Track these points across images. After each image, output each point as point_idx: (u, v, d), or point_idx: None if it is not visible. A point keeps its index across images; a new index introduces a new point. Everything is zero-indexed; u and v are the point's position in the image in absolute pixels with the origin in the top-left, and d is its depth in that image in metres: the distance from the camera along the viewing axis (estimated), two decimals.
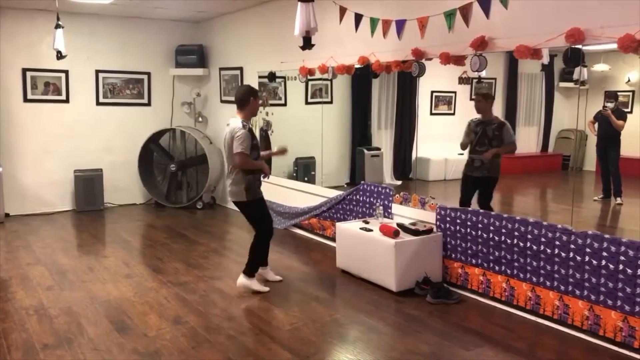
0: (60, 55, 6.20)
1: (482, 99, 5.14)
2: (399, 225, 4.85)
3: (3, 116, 7.57)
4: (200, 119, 8.75)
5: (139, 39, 8.40)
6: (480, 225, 4.47)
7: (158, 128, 8.43)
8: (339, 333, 3.97)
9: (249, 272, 4.72)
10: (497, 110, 6.64)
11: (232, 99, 8.08)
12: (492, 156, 5.00)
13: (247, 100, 4.63)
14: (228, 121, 4.70)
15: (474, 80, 6.10)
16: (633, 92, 5.88)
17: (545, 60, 4.32)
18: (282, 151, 5.28)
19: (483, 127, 5.07)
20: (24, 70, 7.67)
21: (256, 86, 7.40)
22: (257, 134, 7.44)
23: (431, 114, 6.55)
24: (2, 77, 7.54)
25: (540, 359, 3.55)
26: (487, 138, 5.04)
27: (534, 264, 4.07)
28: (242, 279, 4.71)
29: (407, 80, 6.26)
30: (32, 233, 6.83)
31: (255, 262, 4.77)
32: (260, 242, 4.80)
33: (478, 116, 5.14)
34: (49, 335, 3.87)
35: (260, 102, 7.29)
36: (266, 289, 4.74)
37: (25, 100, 7.73)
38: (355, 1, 5.34)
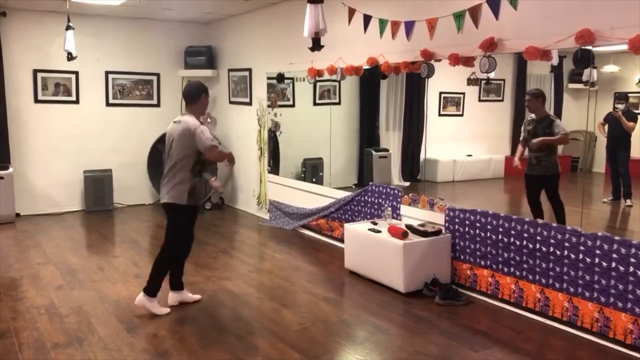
0: (70, 57, 6.25)
1: (533, 98, 5.12)
2: (407, 226, 4.85)
3: (14, 117, 7.63)
4: (209, 120, 8.76)
5: (148, 40, 8.45)
6: (489, 227, 4.46)
7: (167, 129, 8.45)
8: (347, 333, 3.98)
9: (151, 291, 4.21)
10: (506, 111, 6.65)
11: (241, 100, 8.19)
12: (539, 143, 4.97)
13: (197, 96, 4.23)
14: (175, 118, 4.31)
15: (483, 82, 6.09)
16: None
17: (555, 61, 4.30)
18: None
19: (534, 124, 5.05)
20: (35, 72, 7.73)
21: (265, 87, 7.44)
22: (265, 135, 7.48)
23: (439, 115, 6.54)
24: (13, 78, 7.60)
25: None
26: (538, 136, 5.01)
27: (543, 265, 4.06)
28: (141, 298, 4.21)
29: (415, 82, 6.25)
30: (42, 233, 6.88)
31: (160, 280, 4.23)
32: (173, 258, 4.30)
33: (533, 115, 5.11)
34: (59, 334, 3.90)
35: (269, 103, 7.36)
36: (166, 310, 4.26)
37: (36, 101, 7.80)
38: (364, 2, 5.35)
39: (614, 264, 3.62)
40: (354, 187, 6.82)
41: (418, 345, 3.74)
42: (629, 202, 5.79)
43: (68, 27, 6.11)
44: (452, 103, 6.70)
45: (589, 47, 3.71)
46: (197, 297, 4.55)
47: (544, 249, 4.04)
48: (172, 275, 4.40)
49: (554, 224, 4.00)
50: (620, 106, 5.67)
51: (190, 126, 4.09)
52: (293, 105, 7.45)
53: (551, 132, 4.95)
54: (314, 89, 6.98)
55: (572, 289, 3.88)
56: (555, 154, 5.05)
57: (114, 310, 4.35)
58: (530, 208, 4.98)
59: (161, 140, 8.32)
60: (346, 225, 5.34)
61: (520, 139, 5.29)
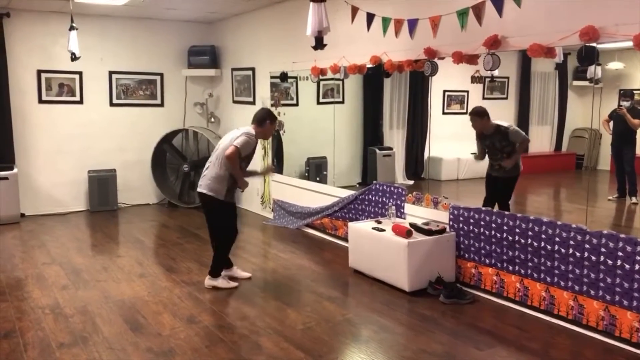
0: (74, 57, 6.27)
1: (477, 118, 5.08)
2: (411, 225, 4.84)
3: (18, 117, 7.65)
4: (212, 120, 8.80)
5: (151, 40, 8.46)
6: (493, 225, 4.44)
7: (171, 128, 8.48)
8: (352, 333, 3.97)
9: (214, 273, 4.84)
10: (510, 109, 6.63)
11: (244, 99, 8.20)
12: (513, 163, 5.03)
13: (263, 120, 4.69)
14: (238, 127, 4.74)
15: (487, 79, 6.07)
16: None
17: (559, 58, 4.28)
18: (268, 170, 5.34)
19: (490, 140, 5.10)
20: (39, 72, 7.74)
21: (268, 87, 7.44)
22: None
23: (443, 113, 6.53)
24: (18, 78, 7.62)
25: (554, 359, 3.53)
26: (497, 150, 5.07)
27: (548, 263, 4.05)
28: (208, 280, 4.84)
29: (419, 80, 6.25)
30: (47, 233, 6.90)
31: (219, 264, 4.87)
32: (224, 246, 4.87)
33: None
34: (64, 334, 3.91)
35: (272, 102, 7.36)
36: (234, 284, 4.86)
37: (40, 101, 7.81)
38: (367, 1, 5.34)
39: (619, 262, 3.60)
40: (357, 185, 6.82)
41: (423, 344, 3.73)
42: (634, 199, 5.77)
43: (71, 28, 6.13)
44: (456, 101, 6.68)
45: (594, 44, 3.69)
46: (248, 274, 5.09)
47: (548, 247, 4.03)
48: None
49: (559, 222, 3.98)
50: (626, 103, 5.65)
51: (243, 131, 4.60)
52: (297, 104, 7.45)
53: (509, 143, 4.99)
54: (318, 88, 6.97)
55: (577, 287, 3.87)
56: (517, 154, 5.07)
57: (119, 310, 4.35)
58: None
59: (165, 139, 8.37)
60: (350, 224, 5.33)
61: (477, 151, 5.27)
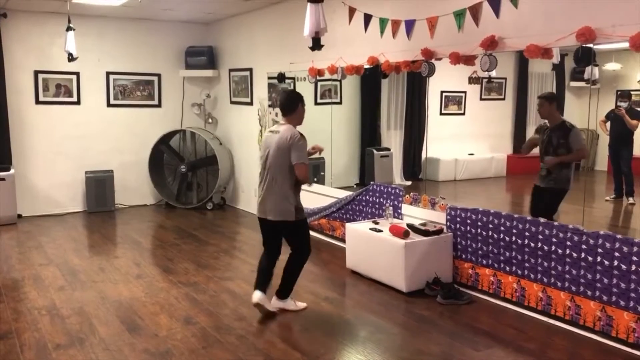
0: (71, 58, 6.26)
1: (545, 102, 4.77)
2: (408, 225, 4.84)
3: (15, 118, 7.63)
4: (210, 120, 8.79)
5: (149, 41, 8.45)
6: (490, 226, 4.44)
7: (168, 129, 8.47)
8: (349, 333, 3.97)
9: (285, 294, 4.29)
10: (508, 110, 6.64)
11: (242, 100, 8.18)
12: (555, 164, 4.61)
13: (294, 107, 4.12)
14: (273, 128, 4.21)
15: (484, 80, 6.08)
16: None
17: (556, 59, 4.29)
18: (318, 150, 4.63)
19: (549, 133, 4.68)
20: (36, 73, 7.73)
21: (265, 87, 7.43)
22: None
23: (441, 114, 6.54)
24: (15, 79, 7.60)
25: None
26: (552, 146, 4.65)
27: (545, 264, 4.05)
28: (276, 302, 4.27)
29: (416, 81, 6.25)
30: (44, 234, 6.89)
31: (293, 284, 4.31)
32: (300, 263, 4.29)
33: (547, 121, 4.79)
34: (61, 335, 3.90)
35: (270, 103, 7.35)
36: (303, 304, 4.37)
37: (37, 102, 7.79)
38: (364, 1, 5.34)
39: (616, 263, 3.60)
40: (355, 186, 6.82)
41: (420, 344, 3.73)
42: (631, 200, 5.78)
43: (69, 28, 6.13)
44: (453, 102, 6.70)
45: (590, 45, 3.69)
46: (303, 304, 4.39)
47: (545, 247, 4.03)
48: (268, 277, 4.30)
49: (556, 223, 3.98)
50: (623, 104, 5.66)
51: (289, 136, 3.98)
52: None
53: (567, 143, 4.58)
54: (315, 89, 6.96)
55: (574, 288, 3.87)
56: (569, 167, 4.67)
57: (116, 310, 4.34)
58: None
59: (163, 140, 8.36)
60: (347, 224, 5.33)
61: (526, 143, 4.97)
